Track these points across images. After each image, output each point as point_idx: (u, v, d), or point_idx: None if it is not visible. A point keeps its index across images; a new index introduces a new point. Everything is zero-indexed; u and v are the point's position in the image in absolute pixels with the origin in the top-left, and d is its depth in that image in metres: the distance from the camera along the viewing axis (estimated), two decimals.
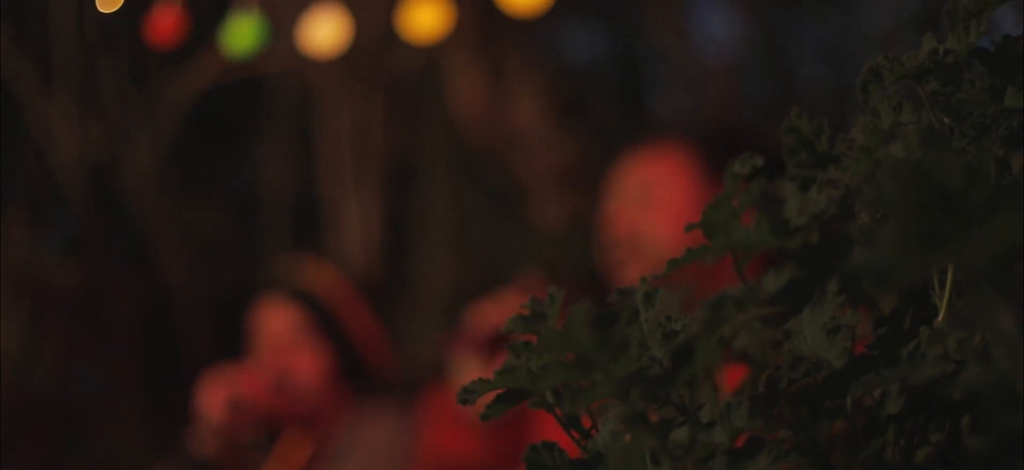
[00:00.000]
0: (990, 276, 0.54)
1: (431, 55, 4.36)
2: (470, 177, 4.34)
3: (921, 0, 3.40)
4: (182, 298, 3.88)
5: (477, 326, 2.03)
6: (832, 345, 0.81)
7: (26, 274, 2.75)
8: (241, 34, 2.55)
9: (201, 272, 3.50)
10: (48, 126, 3.84)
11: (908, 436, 0.82)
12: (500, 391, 0.84)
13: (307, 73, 4.24)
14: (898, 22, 3.14)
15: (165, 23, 2.60)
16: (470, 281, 4.13)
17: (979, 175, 0.60)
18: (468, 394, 0.87)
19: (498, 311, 2.06)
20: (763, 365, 0.95)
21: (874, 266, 0.62)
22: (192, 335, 3.83)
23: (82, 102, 3.90)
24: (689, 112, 3.95)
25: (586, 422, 0.84)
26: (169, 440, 3.11)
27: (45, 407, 3.11)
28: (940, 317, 0.78)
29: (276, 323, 2.69)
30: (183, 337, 3.85)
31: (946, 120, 0.86)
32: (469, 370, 2.04)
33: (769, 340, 0.96)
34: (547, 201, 3.55)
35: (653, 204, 2.10)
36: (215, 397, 2.52)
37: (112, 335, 3.22)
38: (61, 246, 2.97)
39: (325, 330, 2.69)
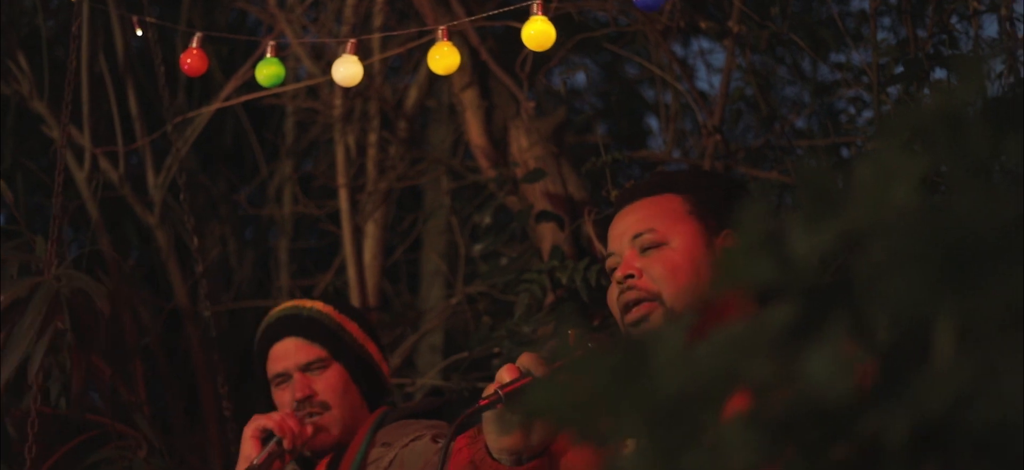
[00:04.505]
0: (1001, 320, 0.58)
1: (434, 85, 4.41)
2: (471, 205, 4.38)
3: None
4: (192, 321, 3.92)
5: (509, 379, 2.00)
6: (838, 378, 0.86)
7: (52, 295, 2.80)
8: (262, 73, 2.80)
9: (211, 295, 3.53)
10: (65, 151, 3.89)
11: (910, 468, 0.86)
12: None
13: (313, 103, 4.28)
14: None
15: (191, 55, 2.82)
16: (470, 308, 4.16)
17: (987, 223, 0.63)
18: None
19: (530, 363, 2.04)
20: (766, 394, 1.00)
21: (887, 307, 0.65)
22: (201, 357, 3.86)
23: (96, 128, 3.94)
24: (687, 148, 3.99)
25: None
26: (178, 462, 3.14)
27: (62, 425, 3.15)
28: (942, 354, 0.82)
29: (291, 356, 2.74)
30: (192, 359, 3.89)
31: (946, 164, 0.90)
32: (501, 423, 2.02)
33: (773, 371, 1.00)
34: (546, 231, 3.59)
35: (656, 251, 2.13)
36: (246, 436, 2.60)
37: (123, 356, 3.26)
38: (76, 267, 3.01)
39: (337, 352, 2.74)
